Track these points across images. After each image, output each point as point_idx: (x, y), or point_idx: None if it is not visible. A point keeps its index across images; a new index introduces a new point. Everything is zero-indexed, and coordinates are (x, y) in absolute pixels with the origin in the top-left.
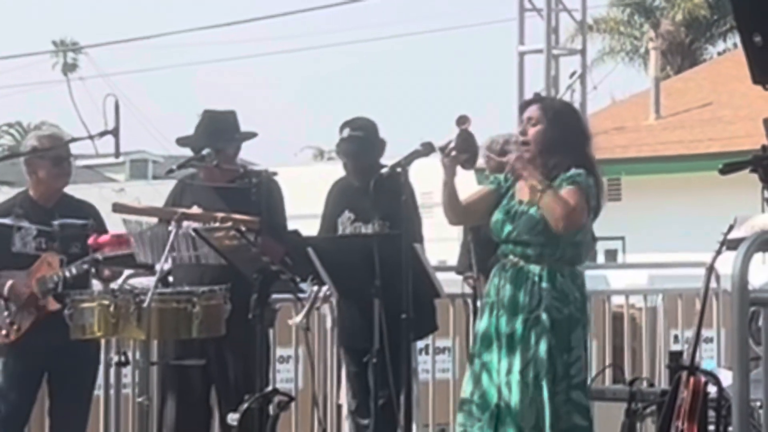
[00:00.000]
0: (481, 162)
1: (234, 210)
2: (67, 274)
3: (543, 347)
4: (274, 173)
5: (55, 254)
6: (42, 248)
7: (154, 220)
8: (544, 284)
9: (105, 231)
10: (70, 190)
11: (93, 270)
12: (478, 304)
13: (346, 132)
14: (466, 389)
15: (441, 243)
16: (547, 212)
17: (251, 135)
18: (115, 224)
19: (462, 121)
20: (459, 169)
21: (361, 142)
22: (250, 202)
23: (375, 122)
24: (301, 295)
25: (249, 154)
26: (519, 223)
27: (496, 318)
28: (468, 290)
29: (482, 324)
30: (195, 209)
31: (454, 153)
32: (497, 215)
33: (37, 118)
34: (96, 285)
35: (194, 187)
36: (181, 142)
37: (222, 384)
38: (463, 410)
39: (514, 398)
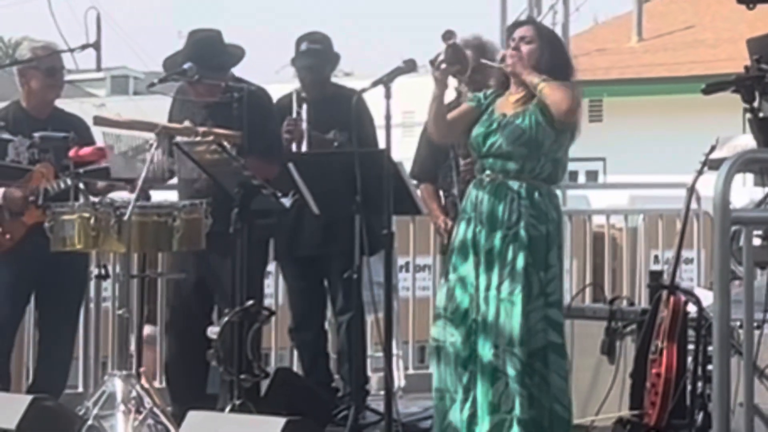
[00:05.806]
0: None
1: (221, 125)
2: (62, 185)
3: (520, 263)
4: (260, 88)
5: (50, 165)
6: (35, 159)
7: (134, 133)
8: (523, 200)
9: (92, 144)
10: None
11: (81, 184)
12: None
13: (305, 45)
14: (441, 304)
15: None
16: (550, 97)
17: (238, 57)
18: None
19: (448, 36)
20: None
21: (320, 54)
22: (234, 117)
23: (329, 37)
24: None
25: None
26: (504, 133)
27: (473, 232)
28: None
29: (459, 235)
30: (186, 124)
31: (444, 65)
32: (477, 129)
33: (18, 33)
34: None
35: (184, 103)
36: (168, 63)
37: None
38: (438, 325)
39: (490, 314)
